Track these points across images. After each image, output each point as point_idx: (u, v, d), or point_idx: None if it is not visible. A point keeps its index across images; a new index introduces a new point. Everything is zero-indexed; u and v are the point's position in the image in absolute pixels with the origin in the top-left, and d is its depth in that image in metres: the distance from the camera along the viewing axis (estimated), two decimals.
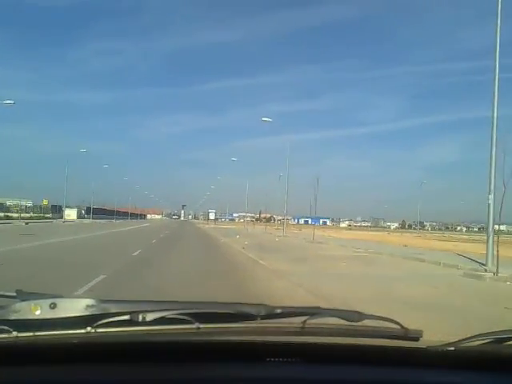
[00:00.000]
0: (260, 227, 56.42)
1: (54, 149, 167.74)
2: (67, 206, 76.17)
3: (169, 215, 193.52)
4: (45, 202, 70.70)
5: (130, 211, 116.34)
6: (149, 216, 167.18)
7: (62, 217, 66.98)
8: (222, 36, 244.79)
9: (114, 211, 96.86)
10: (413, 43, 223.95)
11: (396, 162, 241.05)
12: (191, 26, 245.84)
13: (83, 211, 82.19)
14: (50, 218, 61.80)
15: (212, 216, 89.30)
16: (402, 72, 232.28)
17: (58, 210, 72.67)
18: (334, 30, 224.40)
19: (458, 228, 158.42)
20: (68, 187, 60.58)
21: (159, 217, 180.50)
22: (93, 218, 73.45)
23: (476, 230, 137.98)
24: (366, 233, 59.32)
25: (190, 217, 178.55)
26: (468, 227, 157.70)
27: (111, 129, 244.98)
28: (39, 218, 60.39)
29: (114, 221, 77.55)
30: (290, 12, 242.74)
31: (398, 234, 65.98)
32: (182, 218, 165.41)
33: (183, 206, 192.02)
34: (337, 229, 76.25)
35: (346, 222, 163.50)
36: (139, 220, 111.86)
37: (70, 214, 76.33)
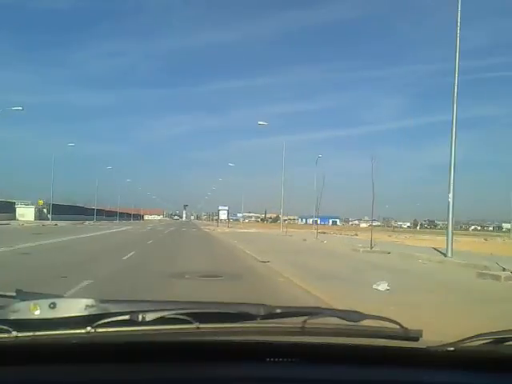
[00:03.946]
0: (284, 230, 38.40)
1: (58, 150, 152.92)
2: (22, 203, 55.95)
3: (170, 216, 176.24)
4: (40, 202, 63.56)
5: (119, 211, 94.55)
6: (147, 217, 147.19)
7: (14, 217, 53.63)
8: (223, 37, 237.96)
9: (93, 210, 75.08)
10: (414, 42, 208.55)
11: (400, 161, 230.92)
12: (191, 27, 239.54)
13: (45, 210, 59.73)
14: None
15: (224, 215, 66.81)
16: (404, 71, 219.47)
17: (9, 209, 53.93)
18: (335, 30, 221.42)
19: (472, 227, 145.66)
20: (57, 186, 41.37)
21: (159, 217, 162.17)
22: (57, 219, 50.97)
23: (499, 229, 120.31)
24: (434, 238, 36.82)
25: (193, 217, 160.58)
26: (483, 226, 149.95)
27: (112, 130, 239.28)
28: None
29: (87, 222, 55.47)
30: (291, 12, 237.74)
31: (494, 239, 46.25)
32: (184, 219, 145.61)
33: (185, 206, 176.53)
34: (363, 230, 58.43)
35: (363, 223, 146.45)
36: (132, 221, 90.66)
37: (25, 213, 55.02)
